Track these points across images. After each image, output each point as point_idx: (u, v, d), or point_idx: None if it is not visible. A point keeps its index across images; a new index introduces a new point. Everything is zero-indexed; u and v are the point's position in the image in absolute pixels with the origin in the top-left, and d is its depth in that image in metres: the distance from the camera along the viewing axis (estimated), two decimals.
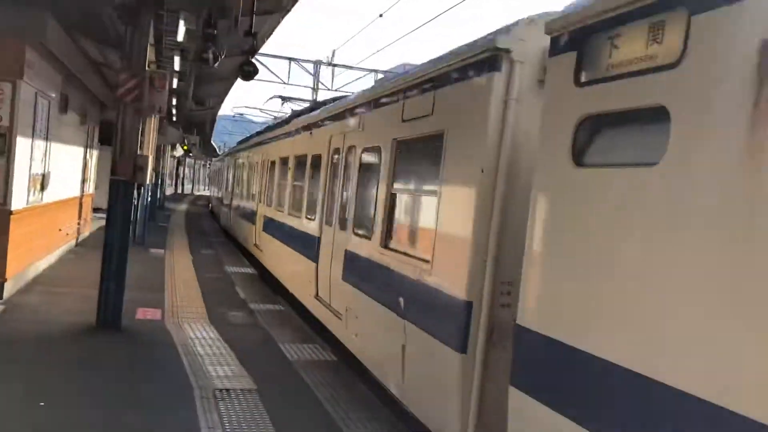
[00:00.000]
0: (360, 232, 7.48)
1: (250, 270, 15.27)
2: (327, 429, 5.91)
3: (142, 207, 16.88)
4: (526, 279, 4.02)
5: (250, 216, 16.95)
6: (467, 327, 4.80)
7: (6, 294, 9.27)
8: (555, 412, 3.60)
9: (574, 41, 3.80)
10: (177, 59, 12.49)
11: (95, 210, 17.96)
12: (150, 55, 12.97)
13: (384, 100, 7.24)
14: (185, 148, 32.56)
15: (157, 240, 18.75)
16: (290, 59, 32.17)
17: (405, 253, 6.16)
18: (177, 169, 52.98)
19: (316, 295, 9.07)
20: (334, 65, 32.98)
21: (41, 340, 7.68)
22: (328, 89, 33.54)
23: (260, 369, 7.36)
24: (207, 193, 61.22)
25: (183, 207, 38.89)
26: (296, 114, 15.85)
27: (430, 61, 6.20)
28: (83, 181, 15.36)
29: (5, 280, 9.19)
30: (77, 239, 15.47)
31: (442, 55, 5.96)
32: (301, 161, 11.38)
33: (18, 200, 9.40)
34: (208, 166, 74.07)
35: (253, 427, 5.74)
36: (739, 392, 2.54)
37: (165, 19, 9.36)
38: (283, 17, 12.11)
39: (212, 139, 45.84)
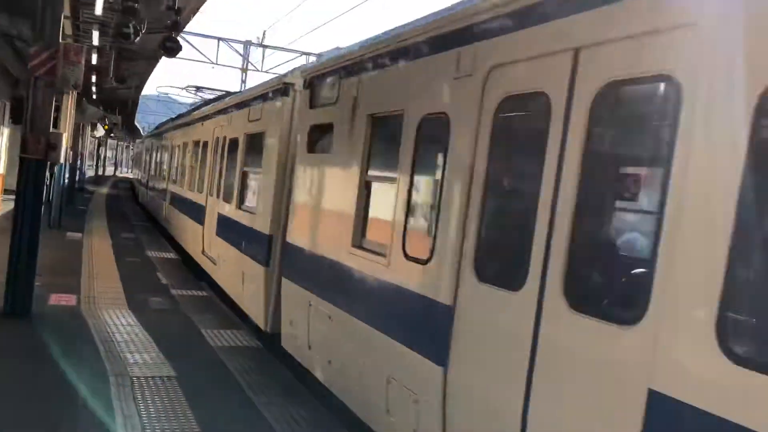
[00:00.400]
0: (227, 199, 10.65)
1: (172, 255, 14.83)
2: (248, 415, 5.77)
3: (59, 189, 16.08)
4: (288, 216, 7.49)
5: (162, 193, 19.47)
6: (269, 251, 7.94)
7: None
8: (297, 285, 6.88)
9: (308, 84, 7.29)
10: (96, 34, 11.89)
11: (5, 191, 17.04)
12: (67, 28, 12.36)
13: (241, 104, 10.61)
14: (106, 127, 31.23)
15: (75, 223, 17.95)
16: (219, 39, 31.32)
17: (246, 210, 9.39)
18: (98, 149, 50.87)
19: (203, 251, 11.85)
20: (265, 46, 32.33)
21: None
22: (258, 70, 32.88)
23: (181, 356, 7.14)
24: (131, 175, 59.27)
25: (104, 190, 37.47)
26: (200, 105, 18.50)
27: (260, 84, 10.53)
28: None
29: None
30: None
31: (266, 82, 10.30)
32: (195, 146, 14.24)
33: None
34: (131, 147, 71.65)
35: (171, 415, 5.55)
36: (339, 247, 5.85)
37: None
38: None
39: (136, 119, 44.23)
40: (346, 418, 5.67)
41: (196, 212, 12.84)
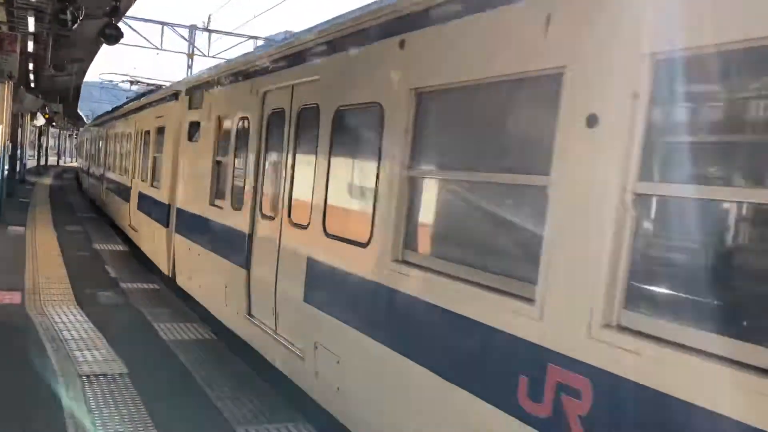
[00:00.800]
0: (143, 179, 13.23)
1: (121, 247, 14.50)
2: (203, 410, 5.70)
3: None
4: (175, 186, 10.34)
5: (100, 179, 22.36)
6: (168, 215, 10.57)
7: None
8: (182, 237, 9.65)
9: (187, 92, 10.08)
10: (31, 20, 11.41)
11: None
12: (0, 15, 11.85)
13: (153, 103, 13.35)
14: (47, 116, 30.19)
15: (17, 216, 17.39)
16: (163, 23, 30.56)
17: (154, 187, 11.93)
18: (39, 139, 49.15)
19: (129, 224, 14.58)
20: (211, 31, 31.71)
21: None
22: (205, 56, 32.22)
23: (133, 352, 7.00)
24: (75, 164, 57.52)
25: (47, 181, 36.31)
26: (132, 99, 20.96)
27: (163, 89, 13.51)
28: None
29: None
30: None
31: (166, 87, 13.11)
32: (123, 137, 17.14)
33: None
34: (74, 136, 69.50)
35: (125, 412, 5.46)
36: (203, 206, 8.67)
37: None
38: None
39: (78, 107, 42.87)
40: (301, 412, 5.67)
41: (125, 192, 15.50)
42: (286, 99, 6.27)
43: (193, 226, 9.12)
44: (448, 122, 4.38)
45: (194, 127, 9.50)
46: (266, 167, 6.81)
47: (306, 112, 5.90)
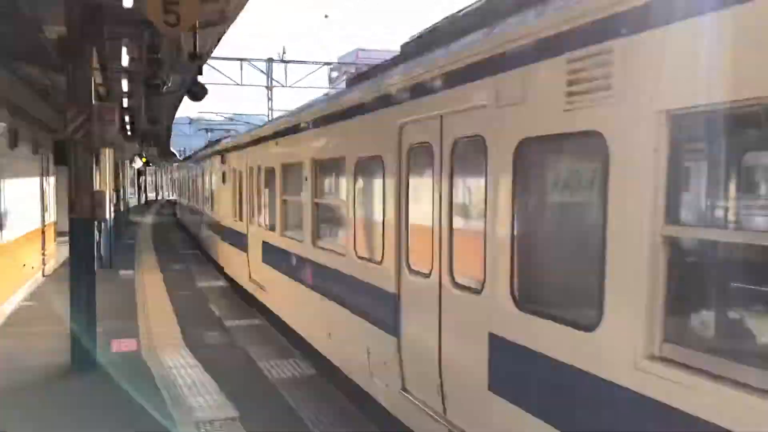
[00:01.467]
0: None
1: (221, 283, 15.21)
2: None
3: (107, 229, 16.64)
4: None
5: (198, 215, 23.31)
6: (247, 242, 12.85)
7: None
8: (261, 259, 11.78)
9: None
10: (125, 83, 12.30)
11: (59, 234, 17.66)
12: (97, 77, 12.77)
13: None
14: (144, 160, 32.06)
15: (126, 259, 18.55)
16: (242, 60, 31.88)
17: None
18: (138, 179, 52.17)
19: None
20: (286, 61, 32.79)
21: (15, 388, 7.58)
22: (283, 86, 33.34)
23: (241, 394, 7.40)
24: (172, 197, 60.50)
25: (149, 218, 38.39)
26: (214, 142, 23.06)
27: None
28: (43, 210, 15.10)
29: None
30: (43, 271, 15.25)
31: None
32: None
33: None
34: (169, 172, 73.00)
35: None
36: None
37: (107, 47, 9.21)
38: (227, 27, 11.98)
39: (170, 146, 45.24)
40: None
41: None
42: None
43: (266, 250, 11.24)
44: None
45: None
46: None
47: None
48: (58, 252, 17.25)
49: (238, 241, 13.67)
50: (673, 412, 2.91)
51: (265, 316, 11.45)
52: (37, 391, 7.58)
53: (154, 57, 8.84)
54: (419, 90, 5.37)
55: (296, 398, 7.35)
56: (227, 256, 15.52)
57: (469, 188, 4.89)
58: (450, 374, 4.89)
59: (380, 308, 5.98)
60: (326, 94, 11.41)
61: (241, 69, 31.47)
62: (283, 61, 32.70)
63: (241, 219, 13.59)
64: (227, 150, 16.15)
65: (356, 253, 6.77)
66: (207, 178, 20.06)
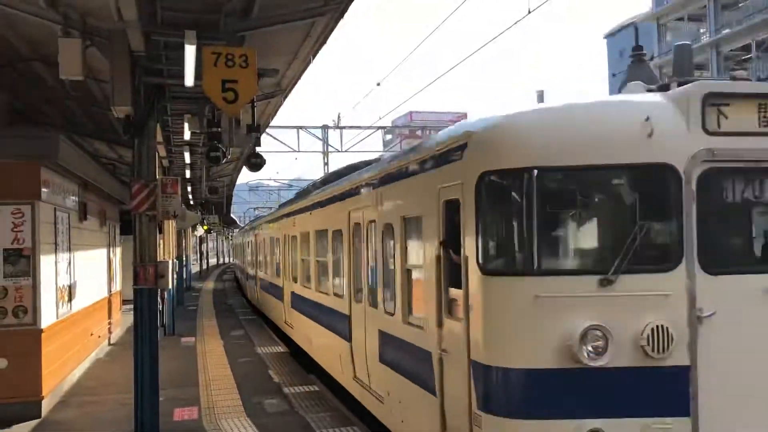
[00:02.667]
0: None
1: (280, 348, 15.27)
2: None
3: (169, 297, 17.05)
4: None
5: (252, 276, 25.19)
6: (283, 295, 15.92)
7: (44, 412, 9.37)
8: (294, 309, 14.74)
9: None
10: (187, 155, 12.82)
11: (124, 302, 18.18)
12: (161, 151, 13.34)
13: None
14: (205, 228, 32.99)
15: (187, 326, 18.90)
16: (298, 127, 32.83)
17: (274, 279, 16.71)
18: (200, 246, 53.59)
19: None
20: (342, 127, 33.59)
21: None
22: (338, 151, 34.08)
23: None
24: (233, 260, 61.85)
25: (210, 284, 39.17)
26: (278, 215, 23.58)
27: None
28: (109, 280, 15.61)
29: (42, 398, 9.30)
30: (109, 339, 15.64)
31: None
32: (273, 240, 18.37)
33: (47, 317, 9.58)
34: (230, 237, 74.80)
35: None
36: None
37: (170, 123, 9.66)
38: (284, 98, 12.43)
39: (231, 213, 46.49)
40: None
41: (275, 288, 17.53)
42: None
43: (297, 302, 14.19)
44: None
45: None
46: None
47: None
48: (123, 320, 17.74)
49: (277, 292, 16.92)
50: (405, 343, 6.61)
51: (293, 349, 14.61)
52: None
53: (214, 130, 9.19)
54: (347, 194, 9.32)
55: None
56: (270, 306, 18.89)
57: (360, 250, 8.44)
58: (369, 357, 8.00)
59: (341, 324, 9.36)
60: (312, 185, 14.88)
61: (298, 136, 32.36)
62: (338, 127, 33.52)
63: (278, 275, 16.77)
64: (265, 222, 21.43)
65: (331, 292, 10.26)
66: (254, 245, 24.03)
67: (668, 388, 4.43)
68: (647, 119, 4.46)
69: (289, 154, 31.79)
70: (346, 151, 32.72)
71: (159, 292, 8.73)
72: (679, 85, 4.83)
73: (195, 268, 49.49)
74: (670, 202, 4.55)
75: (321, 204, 11.09)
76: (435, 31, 18.38)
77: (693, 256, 4.47)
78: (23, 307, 9.16)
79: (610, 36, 63.21)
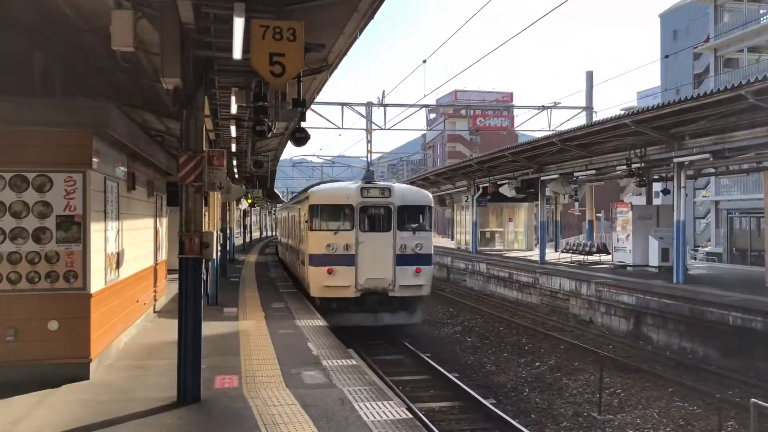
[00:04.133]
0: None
1: (320, 322, 15.46)
2: None
3: (213, 268, 17.39)
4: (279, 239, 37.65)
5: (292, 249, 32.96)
6: (277, 249, 43.39)
7: (91, 374, 9.70)
8: (282, 248, 35.67)
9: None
10: (233, 128, 12.95)
11: (170, 271, 18.63)
12: (208, 124, 13.51)
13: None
14: (249, 201, 33.43)
15: (230, 297, 19.27)
16: (342, 104, 32.89)
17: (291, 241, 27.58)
18: (244, 219, 54.39)
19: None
20: (386, 105, 33.49)
21: (124, 421, 7.97)
22: (381, 128, 34.06)
23: None
24: (276, 235, 62.78)
25: (252, 257, 39.78)
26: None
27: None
28: (155, 249, 15.98)
29: (90, 360, 9.63)
30: (154, 307, 16.05)
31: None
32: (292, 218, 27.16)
33: (96, 282, 9.88)
34: (273, 212, 75.82)
35: None
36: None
37: (217, 96, 9.77)
38: (330, 74, 12.43)
39: (274, 188, 46.96)
40: None
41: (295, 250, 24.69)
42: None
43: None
44: None
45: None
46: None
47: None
48: (168, 289, 18.18)
49: (292, 249, 25.74)
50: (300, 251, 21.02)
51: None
52: (147, 422, 7.94)
53: (260, 104, 9.26)
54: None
55: None
56: (287, 258, 28.90)
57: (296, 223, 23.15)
58: (300, 258, 20.54)
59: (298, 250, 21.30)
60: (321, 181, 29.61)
61: (342, 113, 32.43)
62: (382, 104, 33.43)
63: (299, 241, 22.57)
64: (292, 201, 30.93)
65: (299, 244, 20.91)
66: (288, 220, 29.83)
67: (345, 259, 17.33)
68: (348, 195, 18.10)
69: (333, 130, 31.99)
70: (389, 129, 32.65)
71: (203, 263, 8.86)
72: (365, 181, 18.67)
73: (238, 241, 50.31)
74: (354, 215, 17.53)
75: (296, 202, 24.48)
76: (483, 8, 20.23)
77: (357, 227, 17.50)
78: (74, 272, 9.47)
79: (664, 15, 61.24)
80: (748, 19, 41.54)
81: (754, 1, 42.19)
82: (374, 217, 17.69)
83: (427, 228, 18.02)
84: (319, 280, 17.49)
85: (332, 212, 17.82)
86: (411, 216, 17.87)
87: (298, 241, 21.31)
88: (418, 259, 17.53)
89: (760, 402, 8.53)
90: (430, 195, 19.40)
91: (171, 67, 7.69)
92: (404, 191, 18.42)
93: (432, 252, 18.29)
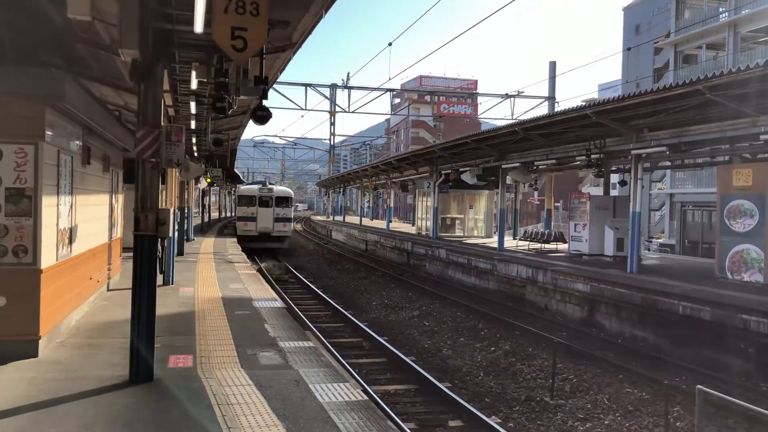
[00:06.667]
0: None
1: (278, 304, 15.36)
2: None
3: (169, 246, 17.09)
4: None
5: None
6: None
7: (40, 352, 9.46)
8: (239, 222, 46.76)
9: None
10: (192, 104, 12.69)
11: (124, 249, 18.25)
12: (167, 100, 13.21)
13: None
14: (209, 180, 32.93)
15: (186, 277, 19.00)
16: (306, 85, 32.56)
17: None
18: (202, 199, 53.62)
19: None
20: (350, 88, 33.29)
21: (74, 399, 7.80)
22: (345, 111, 33.88)
23: (292, 416, 7.42)
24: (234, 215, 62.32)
25: (211, 237, 39.32)
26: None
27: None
28: (110, 226, 15.63)
29: (39, 338, 9.39)
30: (108, 285, 15.73)
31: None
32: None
33: (47, 258, 9.61)
34: (233, 192, 74.92)
35: None
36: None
37: (177, 70, 9.54)
38: (294, 53, 12.26)
39: (235, 168, 46.45)
40: None
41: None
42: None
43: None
44: None
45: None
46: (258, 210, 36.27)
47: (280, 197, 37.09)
48: (123, 266, 17.82)
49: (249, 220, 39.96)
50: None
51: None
52: (98, 400, 7.78)
53: (221, 80, 9.08)
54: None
55: (346, 424, 7.29)
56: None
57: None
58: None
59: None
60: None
61: (306, 94, 32.14)
62: (346, 87, 33.22)
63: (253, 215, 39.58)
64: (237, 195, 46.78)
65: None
66: (234, 202, 46.82)
67: (251, 219, 40.33)
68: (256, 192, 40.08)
69: (296, 111, 31.77)
70: (353, 111, 32.49)
71: (159, 240, 8.69)
72: (261, 186, 40.88)
73: (197, 221, 49.62)
74: (256, 199, 39.10)
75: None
76: None
77: (257, 205, 39.82)
78: (23, 247, 9.19)
79: (628, 9, 62.16)
80: (707, 16, 42.45)
81: None
82: (265, 200, 38.96)
83: (289, 206, 39.58)
84: (241, 227, 39.06)
85: (247, 198, 39.09)
86: (281, 200, 39.12)
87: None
88: (285, 220, 39.10)
89: (705, 389, 8.80)
90: (291, 191, 41.47)
91: (129, 38, 7.48)
92: (278, 190, 39.91)
93: (291, 216, 40.63)
